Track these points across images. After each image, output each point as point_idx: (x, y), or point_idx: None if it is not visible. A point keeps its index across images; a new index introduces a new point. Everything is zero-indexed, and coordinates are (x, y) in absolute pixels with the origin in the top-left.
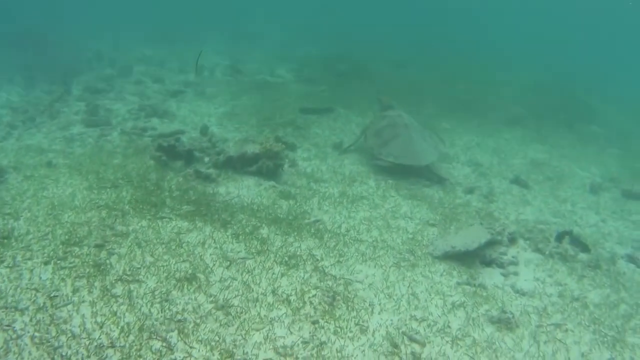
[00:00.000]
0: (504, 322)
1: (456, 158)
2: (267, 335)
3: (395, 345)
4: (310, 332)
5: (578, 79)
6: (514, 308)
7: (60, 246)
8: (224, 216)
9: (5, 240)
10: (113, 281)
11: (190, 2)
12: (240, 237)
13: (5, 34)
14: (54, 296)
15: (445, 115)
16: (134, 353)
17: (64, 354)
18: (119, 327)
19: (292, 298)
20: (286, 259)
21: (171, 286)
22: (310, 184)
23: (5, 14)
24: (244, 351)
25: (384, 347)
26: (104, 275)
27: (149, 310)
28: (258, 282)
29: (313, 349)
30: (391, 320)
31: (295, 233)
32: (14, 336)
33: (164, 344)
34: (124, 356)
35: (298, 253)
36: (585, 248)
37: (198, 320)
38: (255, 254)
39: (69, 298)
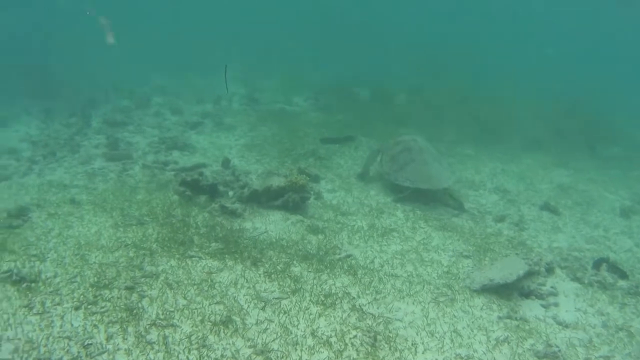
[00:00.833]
0: (551, 357)
1: (483, 185)
2: None
3: None
4: None
5: (596, 97)
6: (559, 341)
7: (90, 289)
8: (254, 253)
9: (33, 285)
10: (147, 326)
11: (203, 31)
12: (273, 275)
13: (20, 66)
14: (88, 344)
15: (468, 141)
16: None
17: None
18: None
19: (333, 340)
20: (322, 298)
21: (207, 330)
22: (338, 217)
23: (19, 47)
24: None
25: None
26: (137, 320)
27: (187, 357)
28: (296, 323)
29: None
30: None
31: (328, 270)
32: None
33: None
34: None
35: (333, 291)
36: (623, 275)
37: None
38: (289, 293)
39: (104, 346)
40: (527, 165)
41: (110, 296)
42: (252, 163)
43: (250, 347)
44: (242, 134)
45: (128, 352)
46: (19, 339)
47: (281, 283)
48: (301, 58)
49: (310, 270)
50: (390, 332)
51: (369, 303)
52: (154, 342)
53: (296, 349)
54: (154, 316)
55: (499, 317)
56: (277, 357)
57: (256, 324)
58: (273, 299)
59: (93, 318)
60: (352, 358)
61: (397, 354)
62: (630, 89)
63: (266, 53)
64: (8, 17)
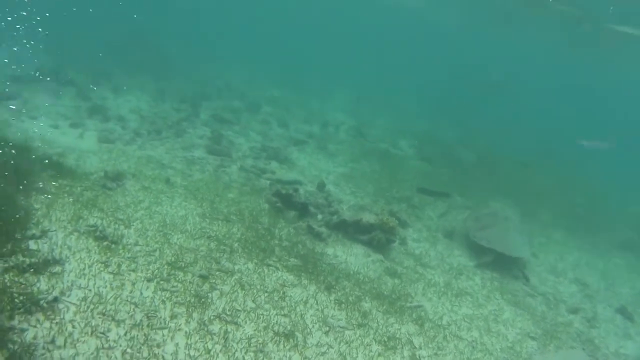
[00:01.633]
0: None
1: (564, 274)
2: None
3: None
4: None
5: None
6: None
7: (166, 267)
8: (329, 279)
9: (114, 246)
10: (211, 317)
11: (325, 57)
12: (343, 305)
13: (146, 47)
14: (152, 316)
15: (559, 225)
16: None
17: None
18: None
19: None
20: (385, 338)
21: (268, 338)
22: (417, 267)
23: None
24: None
25: None
26: (203, 308)
27: (243, 357)
28: (354, 356)
29: None
30: None
31: (397, 314)
32: (106, 346)
33: None
34: None
35: (397, 336)
36: None
37: None
38: (355, 325)
39: (166, 322)
40: (615, 265)
41: (183, 279)
42: (346, 193)
43: None
44: (343, 163)
45: (188, 335)
46: (90, 290)
47: (349, 314)
48: (414, 106)
49: (380, 309)
50: None
51: (429, 356)
52: (215, 334)
53: None
54: (220, 309)
55: None
56: None
57: (316, 345)
58: (338, 326)
59: (162, 294)
60: None
61: None
62: None
63: (384, 92)
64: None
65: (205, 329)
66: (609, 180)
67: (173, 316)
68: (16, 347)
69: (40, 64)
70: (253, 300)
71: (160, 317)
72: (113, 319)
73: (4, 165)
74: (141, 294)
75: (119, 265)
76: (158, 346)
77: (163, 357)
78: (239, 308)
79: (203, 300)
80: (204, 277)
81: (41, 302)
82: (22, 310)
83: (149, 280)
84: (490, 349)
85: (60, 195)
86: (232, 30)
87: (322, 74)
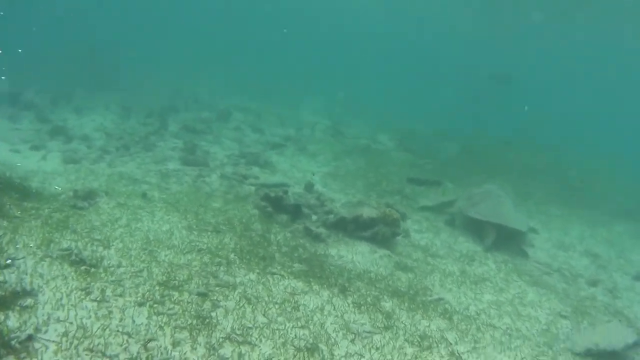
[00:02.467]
0: None
1: (572, 247)
2: None
3: None
4: None
5: None
6: None
7: (157, 287)
8: (341, 281)
9: (93, 269)
10: (220, 339)
11: (291, 63)
12: (362, 307)
13: (105, 64)
14: (151, 347)
15: (555, 201)
16: None
17: None
18: None
19: None
20: (417, 338)
21: (290, 355)
22: (427, 258)
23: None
24: None
25: None
26: (209, 330)
27: None
28: None
29: None
30: None
31: (421, 310)
32: None
33: None
34: None
35: (428, 333)
36: None
37: None
38: (382, 329)
39: (169, 352)
40: (618, 234)
41: (179, 299)
42: (335, 192)
43: None
44: (326, 163)
45: None
46: (71, 322)
47: (372, 317)
48: (391, 101)
49: (402, 307)
50: None
51: (467, 352)
52: (228, 358)
53: None
54: (228, 329)
55: None
56: None
57: (345, 356)
58: (364, 332)
59: (158, 319)
60: None
61: None
62: None
63: (357, 90)
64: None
65: (216, 354)
66: (597, 153)
67: (175, 343)
68: None
69: None
70: (264, 314)
71: (161, 347)
72: (104, 355)
73: None
74: (133, 321)
75: (103, 291)
76: None
77: None
78: (250, 325)
79: (207, 320)
80: (203, 295)
81: (12, 342)
82: None
83: (141, 304)
84: (527, 334)
85: (26, 219)
86: (198, 41)
87: (293, 79)
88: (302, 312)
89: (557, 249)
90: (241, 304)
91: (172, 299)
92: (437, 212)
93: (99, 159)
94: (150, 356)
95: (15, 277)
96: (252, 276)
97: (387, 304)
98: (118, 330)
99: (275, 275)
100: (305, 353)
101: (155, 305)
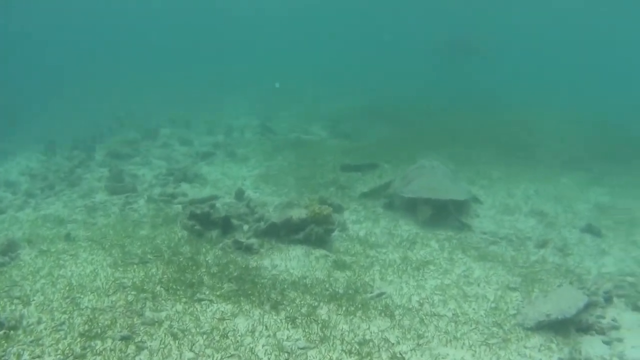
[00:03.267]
0: None
1: (518, 209)
2: None
3: None
4: None
5: (617, 108)
6: None
7: (79, 339)
8: (274, 295)
9: (12, 332)
10: None
11: (214, 64)
12: (297, 320)
13: (25, 97)
14: None
15: (494, 163)
16: None
17: None
18: None
19: None
20: (356, 346)
21: None
22: (367, 250)
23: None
24: None
25: None
26: None
27: None
28: None
29: None
30: None
31: (361, 311)
32: None
33: None
34: None
35: (368, 337)
36: None
37: None
38: (317, 341)
39: None
40: (564, 185)
41: (102, 348)
42: (268, 194)
43: None
44: (257, 165)
45: None
46: None
47: (307, 329)
48: (319, 87)
49: (339, 312)
50: None
51: (411, 350)
52: None
53: None
54: None
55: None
56: None
57: None
58: (298, 349)
59: None
60: None
61: None
62: None
63: (283, 82)
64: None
65: None
66: (532, 105)
67: None
68: None
69: None
70: (191, 349)
71: None
72: None
73: None
74: None
75: (19, 356)
76: None
77: None
78: None
79: None
80: (126, 339)
81: None
82: None
83: None
84: (474, 318)
85: None
86: (122, 61)
87: (217, 82)
88: (232, 339)
89: (503, 213)
90: (166, 342)
91: (94, 350)
92: (375, 197)
93: (24, 204)
94: None
95: None
96: (179, 307)
97: (324, 312)
98: None
99: (203, 302)
100: None
101: None
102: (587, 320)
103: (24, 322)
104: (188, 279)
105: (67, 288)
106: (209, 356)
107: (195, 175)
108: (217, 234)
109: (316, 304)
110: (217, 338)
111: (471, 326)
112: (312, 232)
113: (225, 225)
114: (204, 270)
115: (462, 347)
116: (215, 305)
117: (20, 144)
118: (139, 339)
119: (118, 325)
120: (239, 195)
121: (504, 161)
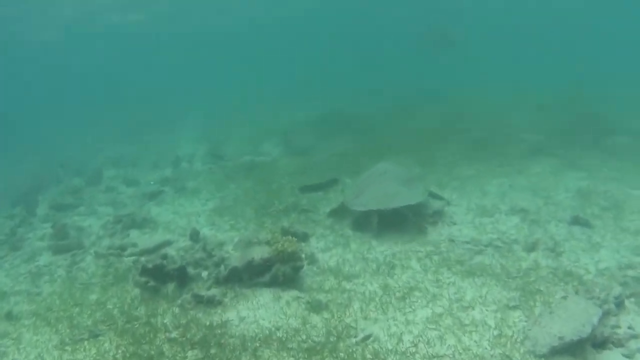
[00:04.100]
0: None
1: (496, 209)
2: None
3: None
4: None
5: (576, 87)
6: None
7: None
8: (245, 359)
9: None
10: None
11: (159, 94)
12: None
13: None
14: None
15: (463, 160)
16: None
17: None
18: None
19: None
20: None
21: None
22: (342, 284)
23: None
24: None
25: None
26: None
27: None
28: None
29: None
30: None
31: None
32: None
33: None
34: None
35: None
36: None
37: None
38: None
39: None
40: (537, 175)
41: None
42: (226, 230)
43: None
44: (210, 197)
45: None
46: None
47: None
48: (273, 101)
49: None
50: None
51: None
52: None
53: None
54: None
55: None
56: None
57: None
58: None
59: None
60: None
61: None
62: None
63: (227, 104)
64: None
65: None
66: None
67: None
68: None
69: None
70: None
71: None
72: None
73: None
74: None
75: None
76: None
77: None
78: None
79: None
80: None
81: None
82: None
83: None
84: (479, 353)
85: None
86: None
87: (159, 114)
88: None
89: (481, 216)
90: None
91: None
92: (341, 217)
93: None
94: None
95: None
96: None
97: None
98: None
99: None
100: None
101: None
102: (602, 333)
103: None
104: (146, 351)
105: None
106: None
107: (145, 219)
108: (173, 287)
109: None
110: None
111: None
112: (279, 272)
113: (182, 277)
114: (162, 336)
115: None
116: None
117: None
118: None
119: None
120: (194, 236)
121: (472, 156)
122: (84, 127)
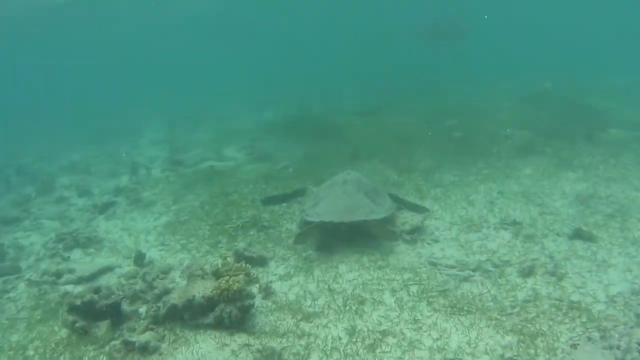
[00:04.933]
0: None
1: (485, 222)
2: None
3: None
4: None
5: (563, 80)
6: None
7: None
8: None
9: None
10: None
11: (120, 94)
12: None
13: None
14: None
15: (444, 164)
16: None
17: None
18: None
19: None
20: None
21: None
22: (301, 325)
23: None
24: None
25: None
26: None
27: None
28: None
29: None
30: None
31: None
32: None
33: None
34: None
35: None
36: None
37: None
38: None
39: None
40: (529, 178)
41: None
42: (176, 251)
43: None
44: (164, 210)
45: None
46: None
47: None
48: (238, 101)
49: None
50: None
51: None
52: None
53: None
54: None
55: None
56: None
57: None
58: None
59: None
60: None
61: None
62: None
63: (194, 105)
64: None
65: None
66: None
67: None
68: None
69: None
70: None
71: None
72: None
73: None
74: None
75: None
76: None
77: None
78: None
79: None
80: None
81: None
82: None
83: None
84: None
85: None
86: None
87: (120, 117)
88: None
89: (467, 231)
90: None
91: None
92: (305, 234)
93: None
94: None
95: None
96: None
97: None
98: None
99: None
100: None
101: None
102: None
103: None
104: None
105: None
106: None
107: (90, 238)
108: (106, 328)
109: None
110: None
111: None
112: (224, 313)
113: (115, 314)
114: None
115: None
116: None
117: None
118: None
119: None
120: (139, 259)
121: (455, 159)
122: (42, 132)
